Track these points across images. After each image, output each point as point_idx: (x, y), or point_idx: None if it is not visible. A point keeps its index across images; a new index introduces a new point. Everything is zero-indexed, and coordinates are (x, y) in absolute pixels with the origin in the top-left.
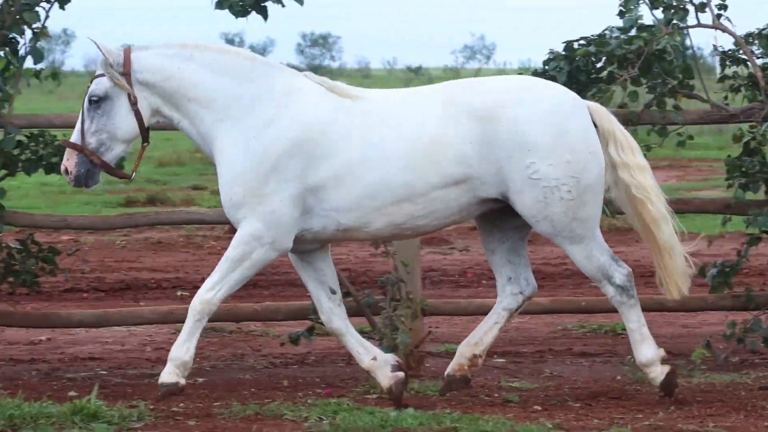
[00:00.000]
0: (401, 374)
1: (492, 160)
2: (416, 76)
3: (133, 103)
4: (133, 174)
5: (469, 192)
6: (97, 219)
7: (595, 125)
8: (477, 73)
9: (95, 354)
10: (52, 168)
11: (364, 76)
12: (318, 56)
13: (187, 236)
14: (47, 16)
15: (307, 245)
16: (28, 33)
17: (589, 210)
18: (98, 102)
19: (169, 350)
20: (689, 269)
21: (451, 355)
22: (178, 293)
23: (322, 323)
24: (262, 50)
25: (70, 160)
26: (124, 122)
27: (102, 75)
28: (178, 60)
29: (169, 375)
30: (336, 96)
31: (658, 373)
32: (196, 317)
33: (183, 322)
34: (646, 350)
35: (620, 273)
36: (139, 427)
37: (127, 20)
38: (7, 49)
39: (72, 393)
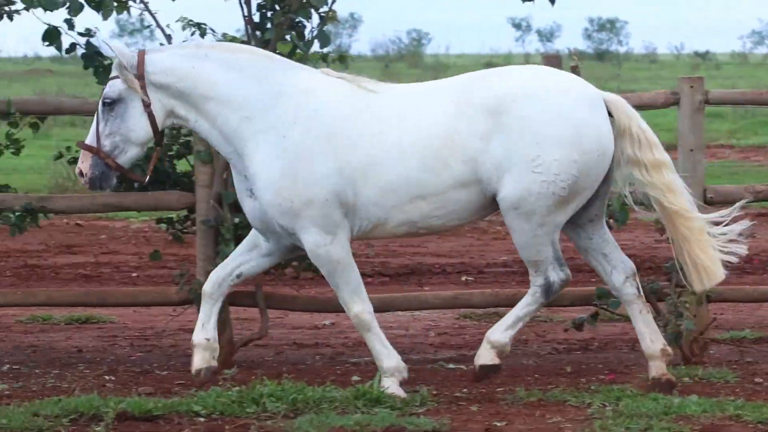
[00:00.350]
0: (215, 365)
1: (498, 152)
2: (703, 61)
3: (147, 105)
4: (147, 177)
5: (481, 191)
6: None
7: (611, 117)
8: (765, 58)
9: None
10: None
11: (651, 62)
12: (605, 41)
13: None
14: (334, 0)
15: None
16: (315, 17)
17: (567, 211)
18: (111, 104)
19: (452, 335)
20: (720, 260)
21: (735, 342)
22: (463, 278)
23: (606, 309)
24: (548, 35)
25: (84, 162)
26: (137, 125)
27: (116, 77)
28: (193, 60)
29: (386, 381)
30: (356, 92)
31: (488, 357)
32: (365, 330)
33: (468, 307)
34: (502, 334)
35: (556, 275)
36: (421, 412)
37: (409, 6)
38: (293, 33)
39: (355, 377)
